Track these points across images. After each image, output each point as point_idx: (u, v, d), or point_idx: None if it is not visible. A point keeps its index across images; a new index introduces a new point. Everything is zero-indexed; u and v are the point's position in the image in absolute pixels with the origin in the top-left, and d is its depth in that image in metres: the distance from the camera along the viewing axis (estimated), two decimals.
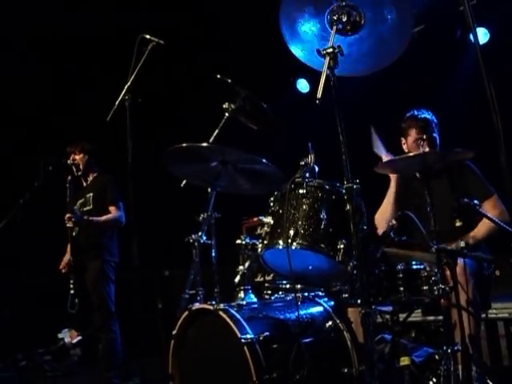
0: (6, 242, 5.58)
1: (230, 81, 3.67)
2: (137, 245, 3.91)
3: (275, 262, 3.18)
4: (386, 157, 3.86)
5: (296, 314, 3.19)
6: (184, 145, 3.26)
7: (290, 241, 2.94)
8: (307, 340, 3.14)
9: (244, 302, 3.34)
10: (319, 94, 2.50)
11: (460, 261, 3.15)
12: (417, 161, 3.18)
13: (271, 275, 3.85)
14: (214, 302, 3.22)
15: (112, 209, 5.35)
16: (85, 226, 5.28)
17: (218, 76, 3.68)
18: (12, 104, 7.28)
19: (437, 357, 3.12)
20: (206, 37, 7.05)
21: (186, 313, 3.27)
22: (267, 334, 2.98)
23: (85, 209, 5.44)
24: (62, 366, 6.50)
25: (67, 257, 5.40)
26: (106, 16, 6.77)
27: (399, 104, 4.53)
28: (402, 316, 3.25)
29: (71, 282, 5.17)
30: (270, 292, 3.70)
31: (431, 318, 4.04)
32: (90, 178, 5.63)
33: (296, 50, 2.98)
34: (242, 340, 2.89)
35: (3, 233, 5.29)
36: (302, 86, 7.60)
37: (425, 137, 3.87)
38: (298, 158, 3.17)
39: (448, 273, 3.04)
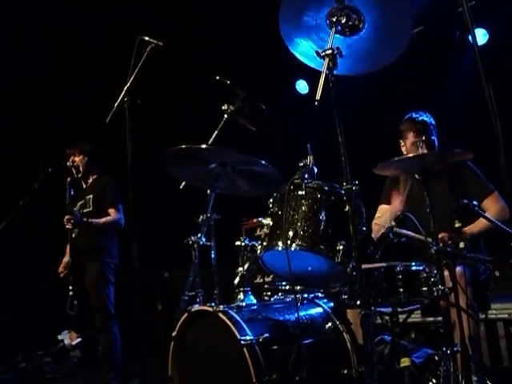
0: (6, 243, 5.58)
1: (228, 82, 3.68)
2: (136, 246, 3.91)
3: (274, 264, 3.18)
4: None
5: (295, 315, 3.19)
6: (183, 146, 3.26)
7: (289, 242, 2.93)
8: (307, 341, 3.13)
9: (243, 304, 3.33)
10: (318, 96, 2.50)
11: (458, 268, 3.15)
12: (416, 162, 3.19)
13: (271, 276, 3.86)
14: (213, 304, 3.22)
15: (111, 211, 5.35)
16: (84, 228, 5.28)
17: (217, 77, 3.68)
18: (11, 105, 7.27)
19: (436, 358, 3.12)
20: (205, 38, 7.04)
21: (186, 314, 3.27)
22: (267, 335, 2.98)
23: (84, 210, 5.44)
24: (61, 367, 6.50)
25: (66, 259, 5.40)
26: (106, 17, 6.77)
27: (398, 105, 4.53)
28: (401, 317, 3.25)
29: (70, 283, 5.17)
30: (269, 293, 3.70)
31: (431, 318, 4.03)
32: (90, 180, 5.63)
33: (295, 51, 2.98)
34: (242, 341, 2.90)
35: (3, 234, 5.28)
36: (301, 87, 7.60)
37: (423, 139, 3.87)
38: (296, 159, 3.17)
39: (447, 273, 3.04)
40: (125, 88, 4.05)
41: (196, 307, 3.31)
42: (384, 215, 3.93)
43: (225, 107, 3.81)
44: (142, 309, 4.28)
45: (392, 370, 3.06)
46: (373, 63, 2.98)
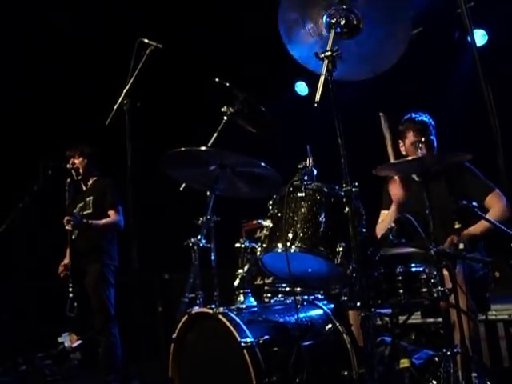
0: (6, 245, 5.58)
1: (228, 84, 3.68)
2: (136, 248, 3.91)
3: (274, 265, 3.18)
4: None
5: (295, 317, 3.19)
6: (183, 149, 3.26)
7: (288, 244, 2.94)
8: (307, 343, 3.13)
9: (243, 306, 3.34)
10: (317, 98, 2.50)
11: (458, 268, 3.15)
12: (415, 164, 3.19)
13: (271, 278, 3.86)
14: (213, 306, 3.22)
15: (111, 213, 5.35)
16: (84, 230, 5.29)
17: (217, 79, 3.69)
18: (11, 107, 7.28)
19: (437, 359, 3.12)
20: (205, 40, 7.05)
21: (186, 316, 3.27)
22: (267, 337, 2.98)
23: (84, 212, 5.44)
24: (62, 369, 6.49)
25: (66, 261, 5.40)
26: (105, 20, 6.78)
27: (397, 106, 4.53)
28: (401, 318, 3.25)
29: (70, 285, 5.17)
30: (269, 295, 3.70)
31: (431, 320, 4.03)
32: (90, 182, 5.63)
33: (295, 53, 2.98)
34: (242, 343, 2.90)
35: (3, 236, 5.28)
36: (301, 88, 7.60)
37: (423, 139, 3.88)
38: (296, 161, 3.17)
39: (446, 273, 3.04)
40: (124, 90, 4.05)
41: (196, 309, 3.32)
42: (385, 219, 3.94)
43: (224, 109, 3.81)
44: (142, 311, 4.29)
45: (392, 371, 3.06)
46: (372, 67, 2.99)
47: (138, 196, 3.96)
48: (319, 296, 3.52)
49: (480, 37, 6.01)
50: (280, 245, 2.98)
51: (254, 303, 3.53)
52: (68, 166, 5.50)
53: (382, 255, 3.08)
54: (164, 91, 7.44)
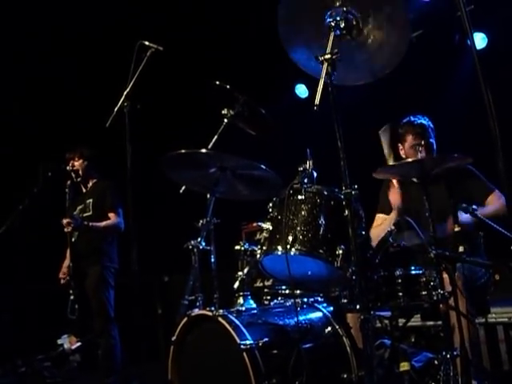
0: (6, 247, 5.58)
1: (228, 87, 3.68)
2: (136, 250, 3.91)
3: (274, 268, 3.18)
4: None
5: (295, 319, 3.19)
6: (183, 151, 3.26)
7: (288, 246, 2.93)
8: (306, 346, 3.13)
9: (243, 308, 3.34)
10: (317, 101, 2.50)
11: (457, 268, 3.16)
12: (415, 167, 3.19)
13: (270, 281, 3.85)
14: (213, 308, 3.23)
15: (111, 215, 5.36)
16: (84, 232, 5.29)
17: (217, 82, 3.69)
18: (11, 109, 7.28)
19: (436, 362, 3.11)
20: (205, 42, 7.05)
21: (186, 319, 3.27)
22: (266, 339, 2.98)
23: (84, 215, 5.45)
24: (61, 372, 6.48)
25: (66, 263, 5.40)
26: (105, 22, 6.78)
27: (397, 109, 4.54)
28: (401, 321, 3.25)
29: (71, 287, 5.17)
30: (269, 297, 3.70)
31: (431, 322, 4.03)
32: (90, 184, 5.64)
33: (294, 56, 2.99)
34: (242, 346, 2.90)
35: (3, 238, 5.29)
36: (301, 91, 7.60)
37: (422, 142, 3.88)
38: (296, 163, 3.17)
39: (446, 277, 3.04)
40: (125, 92, 4.06)
41: (196, 311, 3.32)
42: (384, 224, 3.94)
43: (224, 112, 3.81)
44: (142, 313, 4.29)
45: (392, 374, 3.05)
46: (371, 72, 2.99)
47: (137, 198, 3.96)
48: (319, 298, 3.52)
49: (480, 40, 6.02)
50: (280, 247, 2.98)
51: (254, 306, 3.53)
52: (68, 168, 5.51)
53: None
54: (164, 93, 7.45)
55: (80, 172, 5.54)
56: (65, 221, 5.12)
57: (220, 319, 3.06)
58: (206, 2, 6.65)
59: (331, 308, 3.42)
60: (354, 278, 2.80)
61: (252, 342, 2.93)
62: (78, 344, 6.31)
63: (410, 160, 3.46)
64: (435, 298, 2.97)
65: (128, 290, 4.12)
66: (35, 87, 7.23)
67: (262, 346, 2.94)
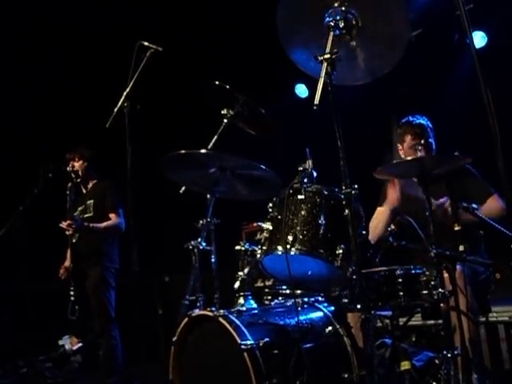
0: (6, 248, 5.58)
1: (228, 87, 3.68)
2: (137, 251, 3.92)
3: (274, 268, 3.18)
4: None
5: (296, 319, 3.19)
6: (183, 151, 3.26)
7: (288, 246, 2.94)
8: (307, 345, 3.13)
9: (244, 308, 3.34)
10: (317, 100, 2.50)
11: (458, 267, 3.16)
12: (415, 166, 3.19)
13: (271, 281, 3.85)
14: (213, 308, 3.23)
15: (112, 215, 5.36)
16: (85, 233, 5.29)
17: (217, 82, 3.69)
18: (11, 110, 7.28)
19: (437, 361, 3.11)
20: (204, 43, 7.05)
21: (186, 319, 3.27)
22: (267, 339, 2.98)
23: (85, 216, 5.45)
24: (62, 372, 6.48)
25: (66, 263, 5.41)
26: (105, 22, 6.78)
27: (397, 108, 4.54)
28: (402, 320, 3.24)
29: (71, 288, 5.18)
30: (269, 297, 3.70)
31: (431, 322, 4.03)
32: (90, 185, 5.64)
33: (294, 56, 2.99)
34: (242, 346, 2.90)
35: (3, 239, 5.29)
36: (301, 90, 7.60)
37: (421, 142, 3.88)
38: (296, 163, 3.17)
39: (446, 276, 3.04)
40: (124, 93, 4.06)
41: (196, 312, 3.32)
42: (378, 215, 3.95)
43: (224, 111, 3.81)
44: (143, 313, 4.30)
45: (392, 373, 3.05)
46: (371, 71, 2.99)
47: (138, 198, 3.97)
48: (319, 298, 3.52)
49: (479, 38, 6.02)
50: (280, 247, 2.98)
51: (255, 306, 3.53)
52: (68, 168, 5.51)
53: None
54: (164, 94, 7.45)
55: (80, 173, 5.54)
56: (65, 223, 5.12)
57: (221, 319, 3.06)
58: (205, 2, 6.65)
59: (332, 308, 3.43)
60: (354, 277, 2.79)
61: (253, 342, 2.93)
62: (79, 345, 6.31)
63: (409, 158, 3.46)
64: (436, 297, 2.97)
65: (128, 290, 4.13)
66: (35, 87, 7.23)
67: (262, 346, 2.94)
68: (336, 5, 2.76)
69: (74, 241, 5.34)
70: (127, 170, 3.97)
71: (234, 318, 3.07)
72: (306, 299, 3.48)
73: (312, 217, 3.01)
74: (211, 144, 3.79)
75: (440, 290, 2.95)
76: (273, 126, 3.79)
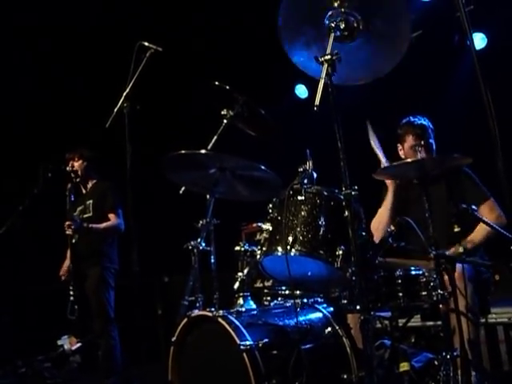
0: (6, 248, 5.58)
1: (228, 87, 3.68)
2: (136, 251, 3.92)
3: (274, 269, 3.18)
4: (384, 162, 3.85)
5: (295, 320, 3.19)
6: (182, 152, 3.26)
7: (288, 247, 2.94)
8: (306, 346, 3.13)
9: (243, 309, 3.34)
10: (317, 102, 2.50)
11: (458, 266, 3.16)
12: (415, 167, 3.19)
13: (270, 281, 3.86)
14: (213, 309, 3.23)
15: (111, 216, 5.36)
16: (85, 233, 5.29)
17: (216, 83, 3.69)
18: (11, 111, 7.28)
19: (436, 362, 3.11)
20: (204, 43, 7.05)
21: (186, 319, 3.27)
22: (266, 340, 2.98)
23: (85, 216, 5.45)
24: (61, 372, 6.47)
25: (67, 263, 5.41)
26: (105, 23, 6.79)
27: (397, 109, 4.54)
28: (401, 321, 3.24)
29: (71, 288, 5.18)
30: (269, 298, 3.70)
31: (431, 323, 4.03)
32: (90, 185, 5.64)
33: (294, 58, 2.99)
34: (241, 347, 2.89)
35: (3, 239, 5.28)
36: (301, 91, 7.59)
37: (422, 143, 3.88)
38: (296, 164, 3.17)
39: (446, 278, 3.04)
40: (124, 93, 4.06)
41: (196, 312, 3.31)
42: (382, 209, 3.96)
43: (224, 112, 3.81)
44: (142, 314, 4.30)
45: (392, 374, 3.05)
46: (372, 71, 2.99)
47: (137, 199, 3.96)
48: (319, 299, 3.52)
49: (479, 40, 6.01)
50: (280, 248, 2.98)
51: (254, 306, 3.53)
52: (67, 168, 5.51)
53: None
54: (164, 94, 7.45)
55: (79, 173, 5.54)
56: (66, 223, 5.12)
57: (220, 320, 3.06)
58: (206, 3, 6.65)
59: (331, 309, 3.42)
60: (353, 278, 2.80)
61: (252, 342, 2.93)
62: (78, 345, 6.31)
63: (409, 160, 3.46)
64: (435, 298, 2.97)
65: (128, 290, 4.13)
66: (35, 87, 7.23)
67: (261, 347, 2.94)
68: (336, 6, 2.76)
69: (73, 241, 5.34)
70: (127, 170, 3.97)
71: (233, 319, 3.07)
72: (305, 300, 3.48)
73: (312, 218, 3.00)
74: (211, 144, 3.79)
75: (439, 291, 2.95)
76: (273, 127, 3.79)
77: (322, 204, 3.04)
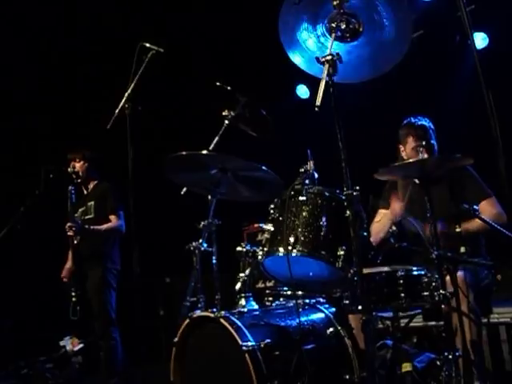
0: (7, 249, 5.58)
1: (229, 88, 3.68)
2: (138, 252, 3.91)
3: (276, 269, 3.18)
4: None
5: (297, 320, 3.19)
6: (184, 153, 3.27)
7: (290, 248, 2.94)
8: (308, 347, 3.14)
9: (245, 309, 3.34)
10: (318, 102, 2.50)
11: (460, 273, 3.14)
12: (416, 167, 3.19)
13: (272, 282, 3.86)
14: (215, 310, 3.23)
15: (112, 217, 5.36)
16: (86, 235, 5.29)
17: (218, 83, 3.69)
18: (12, 112, 7.29)
19: (438, 362, 3.11)
20: (205, 44, 7.05)
21: (188, 320, 3.28)
22: (268, 341, 2.98)
23: (86, 217, 5.45)
24: (63, 373, 6.48)
25: (68, 264, 5.41)
26: (106, 25, 6.79)
27: (398, 110, 4.53)
28: (403, 322, 3.24)
29: (73, 289, 5.18)
30: (270, 299, 3.70)
31: (432, 323, 4.03)
32: (91, 186, 5.64)
33: (295, 58, 2.99)
34: (243, 347, 2.90)
35: (4, 240, 5.29)
36: (302, 91, 7.59)
37: (423, 144, 3.87)
38: (297, 164, 3.17)
39: (448, 278, 3.04)
40: (126, 94, 4.06)
41: (197, 313, 3.32)
42: (382, 219, 3.93)
43: (225, 113, 3.81)
44: (144, 314, 4.28)
45: (394, 374, 3.05)
46: (373, 69, 2.98)
47: (139, 200, 3.96)
48: (321, 300, 3.53)
49: (481, 40, 6.00)
50: (281, 249, 2.98)
51: (256, 307, 3.52)
52: (69, 169, 5.51)
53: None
54: (165, 95, 7.45)
55: (80, 173, 5.54)
56: (67, 225, 5.13)
57: (222, 320, 3.06)
58: (206, 4, 6.65)
59: (333, 309, 3.43)
60: (355, 278, 2.79)
61: (254, 343, 2.93)
62: (80, 346, 6.32)
63: (411, 160, 3.46)
64: (437, 298, 2.96)
65: (130, 291, 4.13)
66: (36, 89, 7.23)
67: (263, 348, 2.94)
68: (335, 4, 2.75)
69: (75, 242, 5.34)
70: (128, 171, 3.97)
71: (235, 319, 3.08)
72: (307, 300, 3.48)
73: (313, 218, 3.00)
74: (212, 145, 3.79)
75: (441, 291, 2.95)
76: (274, 128, 3.79)
77: (324, 204, 3.04)
